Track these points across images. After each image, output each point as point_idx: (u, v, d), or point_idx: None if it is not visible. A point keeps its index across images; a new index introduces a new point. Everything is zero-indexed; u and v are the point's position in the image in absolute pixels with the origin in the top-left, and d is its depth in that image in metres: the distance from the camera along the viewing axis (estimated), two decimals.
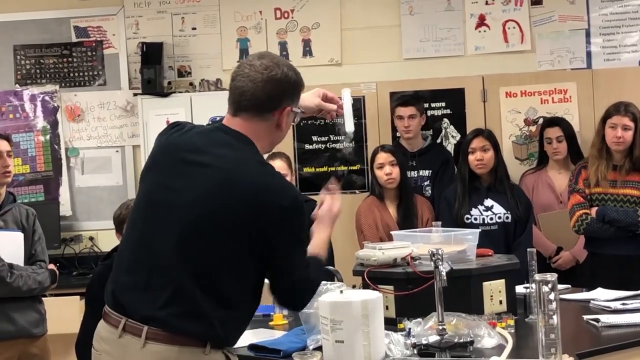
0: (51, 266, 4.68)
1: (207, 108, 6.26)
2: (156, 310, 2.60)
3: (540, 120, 6.28)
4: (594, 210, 4.94)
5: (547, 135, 5.79)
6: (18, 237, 4.55)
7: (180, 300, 2.60)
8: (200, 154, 2.70)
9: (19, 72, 6.82)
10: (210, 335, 2.61)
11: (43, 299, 4.69)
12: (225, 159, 2.67)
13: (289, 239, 2.69)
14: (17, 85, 6.80)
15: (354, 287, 3.79)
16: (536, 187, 5.77)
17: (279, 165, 5.39)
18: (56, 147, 6.75)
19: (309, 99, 3.14)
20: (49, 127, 6.76)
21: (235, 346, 3.26)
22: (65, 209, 6.70)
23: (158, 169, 2.79)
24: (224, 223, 2.61)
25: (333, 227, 3.08)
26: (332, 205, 3.07)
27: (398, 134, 6.14)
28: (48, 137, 6.75)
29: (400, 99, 6.06)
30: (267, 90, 2.73)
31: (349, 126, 3.36)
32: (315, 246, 2.94)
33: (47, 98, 6.77)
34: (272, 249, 2.66)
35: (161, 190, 2.72)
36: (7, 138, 4.67)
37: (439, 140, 6.38)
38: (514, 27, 6.44)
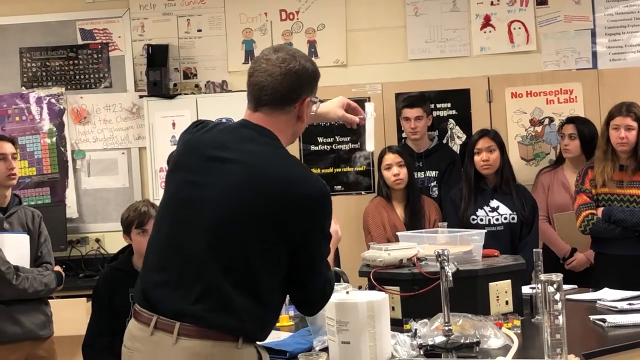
0: (57, 268, 4.69)
1: (213, 110, 6.26)
2: (188, 306, 2.59)
3: (546, 121, 6.29)
4: (600, 210, 4.93)
5: (562, 131, 5.78)
6: (24, 239, 4.56)
7: (212, 295, 2.59)
8: (225, 150, 2.71)
9: (25, 75, 6.84)
10: (242, 330, 2.60)
11: (49, 301, 4.71)
12: (250, 153, 2.68)
13: (316, 229, 2.68)
14: (23, 88, 6.82)
15: (360, 288, 3.78)
16: (551, 186, 5.73)
17: None
18: (62, 149, 6.77)
19: (333, 110, 3.23)
20: (55, 129, 6.77)
21: None
22: (71, 211, 6.72)
23: (184, 167, 2.79)
24: (252, 217, 2.60)
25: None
26: (337, 228, 3.13)
27: (404, 135, 6.14)
28: (54, 139, 6.77)
29: (406, 100, 6.05)
30: (287, 83, 2.73)
31: (369, 145, 3.38)
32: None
33: (53, 100, 6.78)
34: (301, 241, 2.64)
35: (188, 188, 2.72)
36: (12, 140, 4.68)
37: (444, 141, 6.38)
38: (520, 28, 6.44)
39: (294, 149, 6.33)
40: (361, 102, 3.37)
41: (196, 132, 2.85)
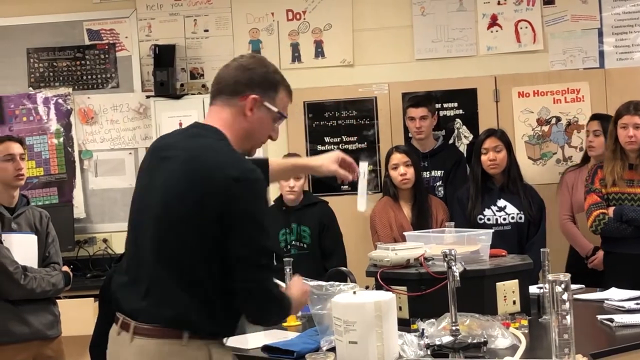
0: (65, 268, 4.70)
1: None
2: (139, 303, 2.68)
3: (553, 120, 6.29)
4: (611, 210, 4.90)
5: (587, 128, 5.73)
6: (32, 239, 4.57)
7: (155, 290, 2.66)
8: (170, 150, 2.79)
9: (32, 75, 6.85)
10: (186, 324, 2.63)
11: (57, 301, 4.71)
12: (188, 148, 2.74)
13: (244, 215, 2.61)
14: (30, 89, 6.83)
15: (367, 288, 3.78)
16: (576, 185, 5.62)
17: None
18: (70, 149, 6.78)
19: (325, 164, 3.27)
20: (62, 129, 6.78)
21: (249, 347, 3.27)
22: (79, 211, 6.73)
23: (142, 173, 2.89)
24: (182, 207, 2.64)
25: (303, 302, 3.06)
26: (307, 288, 3.08)
27: (410, 135, 6.13)
28: (62, 139, 6.78)
29: (411, 100, 6.05)
30: (234, 74, 2.84)
31: (360, 205, 3.36)
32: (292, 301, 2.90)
33: (60, 101, 6.79)
34: (229, 226, 2.60)
35: (142, 192, 2.83)
36: (20, 141, 4.69)
37: (451, 141, 6.38)
38: (526, 27, 6.43)
39: (301, 148, 6.34)
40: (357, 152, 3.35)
41: (159, 139, 2.98)
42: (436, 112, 6.12)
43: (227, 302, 2.70)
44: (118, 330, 2.74)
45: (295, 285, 3.04)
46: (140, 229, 2.76)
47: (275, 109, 2.85)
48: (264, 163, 3.25)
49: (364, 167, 3.36)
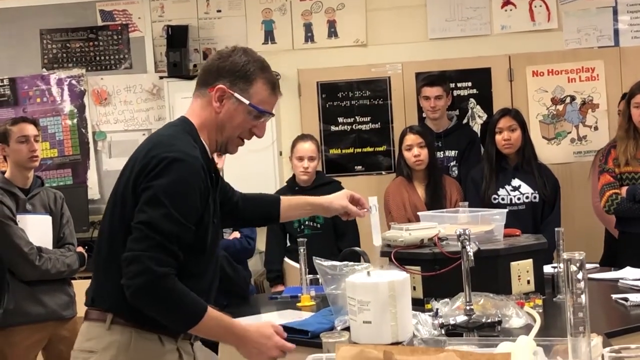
0: (79, 249, 4.73)
1: None
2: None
3: (567, 99, 6.26)
4: (624, 189, 4.87)
5: (619, 107, 5.68)
6: (46, 220, 4.59)
7: (93, 273, 2.73)
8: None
9: (45, 57, 6.85)
10: (111, 306, 2.61)
11: (72, 281, 4.74)
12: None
13: (145, 188, 2.54)
14: (44, 70, 6.84)
15: (381, 268, 3.79)
16: None
17: (308, 147, 5.40)
18: (83, 130, 6.79)
19: (336, 201, 3.26)
20: (76, 111, 6.79)
21: None
22: (93, 192, 6.75)
23: None
24: (118, 190, 2.67)
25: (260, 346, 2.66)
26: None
27: (424, 115, 6.11)
28: (75, 121, 6.79)
29: (426, 79, 6.03)
30: (209, 64, 2.76)
31: (376, 239, 3.38)
32: (225, 321, 2.63)
33: (73, 82, 6.80)
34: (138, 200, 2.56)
35: None
36: (34, 122, 4.71)
37: (465, 121, 6.36)
38: (541, 6, 6.39)
39: (314, 129, 6.33)
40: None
41: None
42: (450, 92, 6.10)
43: None
44: None
45: (259, 325, 2.73)
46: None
47: (246, 101, 2.68)
48: (275, 200, 3.27)
49: (373, 201, 3.37)
